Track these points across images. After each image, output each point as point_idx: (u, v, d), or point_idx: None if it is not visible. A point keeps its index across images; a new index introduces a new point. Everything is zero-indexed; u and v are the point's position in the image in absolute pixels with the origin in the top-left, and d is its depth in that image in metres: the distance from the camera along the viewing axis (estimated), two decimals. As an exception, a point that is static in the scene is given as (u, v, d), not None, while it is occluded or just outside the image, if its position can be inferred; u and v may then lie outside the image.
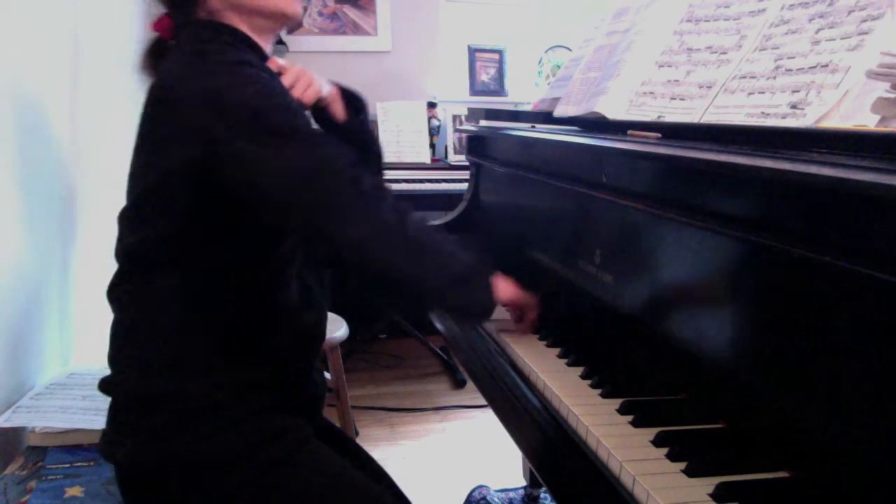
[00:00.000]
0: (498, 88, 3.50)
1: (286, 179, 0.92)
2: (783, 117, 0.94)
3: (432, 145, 3.23)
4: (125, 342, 1.03)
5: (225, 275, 1.01)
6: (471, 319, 1.23)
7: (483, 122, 1.91)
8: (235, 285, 1.02)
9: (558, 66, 3.27)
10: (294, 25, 1.12)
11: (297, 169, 0.93)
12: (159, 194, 0.97)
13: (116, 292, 1.05)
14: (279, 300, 1.07)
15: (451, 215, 1.88)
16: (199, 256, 0.99)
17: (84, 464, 1.38)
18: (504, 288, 1.09)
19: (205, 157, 0.92)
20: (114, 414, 1.04)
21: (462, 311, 1.11)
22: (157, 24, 1.07)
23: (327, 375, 2.27)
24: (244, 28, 1.04)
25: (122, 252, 1.04)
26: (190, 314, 0.99)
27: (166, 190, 0.96)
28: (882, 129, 0.85)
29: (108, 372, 1.07)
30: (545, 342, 1.15)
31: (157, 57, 1.07)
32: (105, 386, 1.05)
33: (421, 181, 2.99)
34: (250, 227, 1.00)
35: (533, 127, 1.63)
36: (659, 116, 1.19)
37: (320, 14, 3.34)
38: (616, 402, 0.90)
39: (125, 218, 1.04)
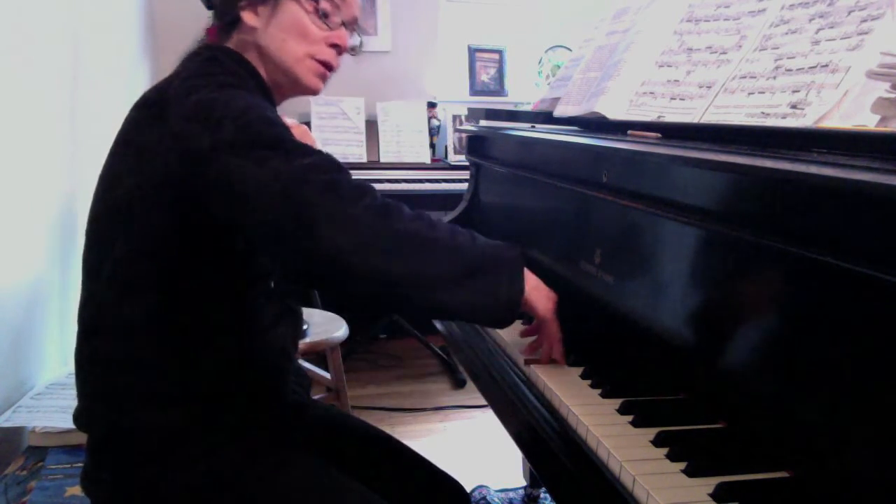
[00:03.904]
0: (498, 88, 3.50)
1: (266, 190, 0.88)
2: (783, 117, 0.94)
3: (432, 145, 3.23)
4: (92, 374, 1.01)
5: (195, 302, 0.98)
6: (488, 320, 0.97)
7: (483, 122, 1.91)
8: (206, 312, 0.99)
9: (558, 66, 3.27)
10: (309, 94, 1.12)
11: (277, 180, 0.89)
12: (136, 203, 0.95)
13: (83, 317, 1.02)
14: (251, 322, 1.05)
15: (451, 215, 1.88)
16: (170, 280, 0.96)
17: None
18: (538, 292, 0.99)
19: (185, 170, 0.91)
20: (91, 448, 1.03)
21: (473, 309, 0.92)
22: (210, 31, 1.11)
23: (327, 375, 2.27)
24: (263, 73, 1.07)
25: (93, 269, 1.00)
26: (157, 345, 0.97)
27: (143, 199, 0.94)
28: (882, 129, 0.85)
29: None
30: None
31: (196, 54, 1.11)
32: (79, 421, 1.03)
33: (421, 181, 2.99)
34: (224, 250, 0.98)
35: (533, 127, 1.63)
36: (659, 116, 1.19)
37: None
38: (616, 402, 0.90)
39: (95, 227, 1.00)
